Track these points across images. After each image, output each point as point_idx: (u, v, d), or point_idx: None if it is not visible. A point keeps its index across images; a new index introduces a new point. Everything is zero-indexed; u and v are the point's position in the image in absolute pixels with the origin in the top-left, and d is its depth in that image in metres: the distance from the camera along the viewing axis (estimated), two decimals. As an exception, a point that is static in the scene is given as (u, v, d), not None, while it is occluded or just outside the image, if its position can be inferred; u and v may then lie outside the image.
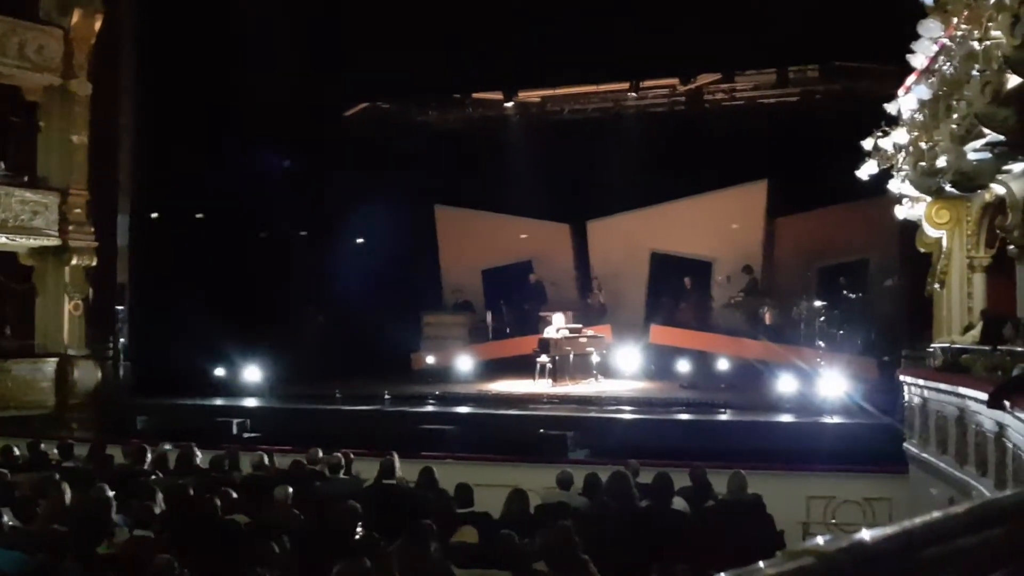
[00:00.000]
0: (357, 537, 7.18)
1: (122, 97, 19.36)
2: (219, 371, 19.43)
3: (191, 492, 8.84)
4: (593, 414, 16.14)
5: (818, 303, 18.86)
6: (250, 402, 18.27)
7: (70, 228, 18.79)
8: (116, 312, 19.13)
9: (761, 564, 1.07)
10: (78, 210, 18.93)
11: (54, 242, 18.71)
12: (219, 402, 18.28)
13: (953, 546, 1.30)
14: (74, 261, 18.80)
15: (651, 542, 7.95)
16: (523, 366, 19.70)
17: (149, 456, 11.15)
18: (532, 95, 23.76)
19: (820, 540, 1.15)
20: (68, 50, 18.77)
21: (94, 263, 19.02)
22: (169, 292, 18.11)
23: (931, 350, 12.68)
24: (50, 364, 18.56)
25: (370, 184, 20.99)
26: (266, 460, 11.25)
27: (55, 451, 11.83)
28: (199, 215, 19.01)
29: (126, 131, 19.40)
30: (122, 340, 19.17)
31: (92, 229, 19.07)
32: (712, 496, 10.03)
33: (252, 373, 19.13)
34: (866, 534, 1.18)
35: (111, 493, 7.95)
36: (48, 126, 18.92)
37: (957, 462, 10.49)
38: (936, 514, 1.37)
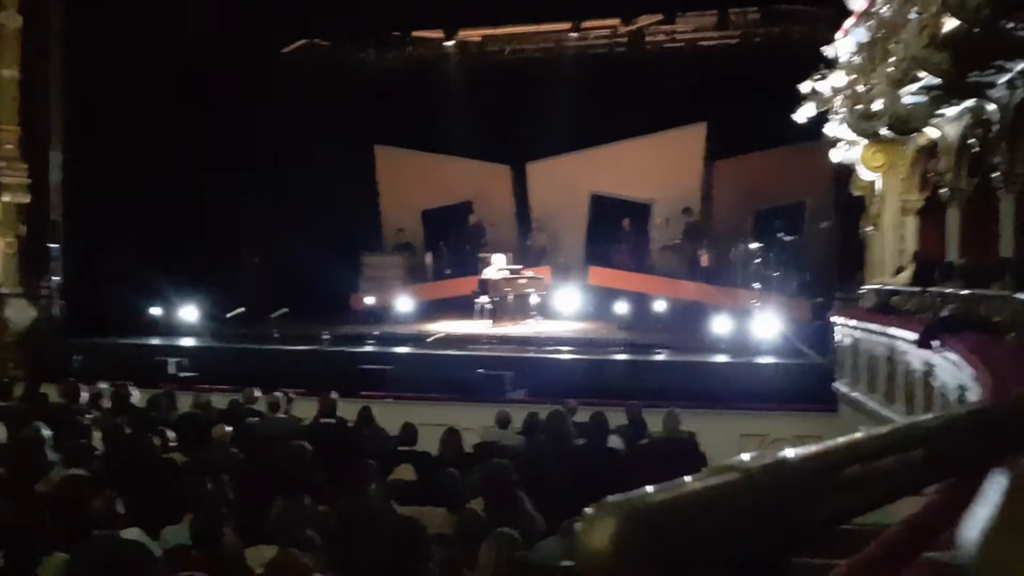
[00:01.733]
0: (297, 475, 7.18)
1: (53, 31, 18.85)
2: (156, 310, 19.22)
3: (128, 431, 8.79)
4: (532, 354, 16.22)
5: (754, 245, 19.06)
6: (187, 341, 18.13)
7: (2, 165, 18.35)
8: (50, 250, 18.78)
9: (687, 479, 1.09)
10: (9, 146, 18.46)
11: (-15, 179, 18.28)
12: (156, 341, 18.12)
13: (875, 466, 1.33)
14: (6, 198, 18.37)
15: (586, 479, 8.05)
16: (463, 307, 19.73)
17: (85, 395, 11.04)
18: (473, 34, 23.54)
19: (745, 457, 1.18)
20: (-4, -18, 18.23)
21: (27, 200, 18.61)
22: (104, 230, 17.82)
23: (863, 292, 12.91)
24: (-18, 303, 18.23)
25: (309, 123, 20.71)
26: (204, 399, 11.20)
27: (-12, 390, 11.67)
28: (134, 151, 18.62)
29: (58, 65, 18.91)
30: (56, 278, 18.85)
31: (25, 165, 18.61)
32: (647, 434, 10.17)
33: (189, 312, 18.95)
34: (790, 452, 1.21)
35: (47, 432, 7.86)
36: (-24, 60, 18.40)
37: (886, 401, 10.73)
38: (858, 435, 1.41)
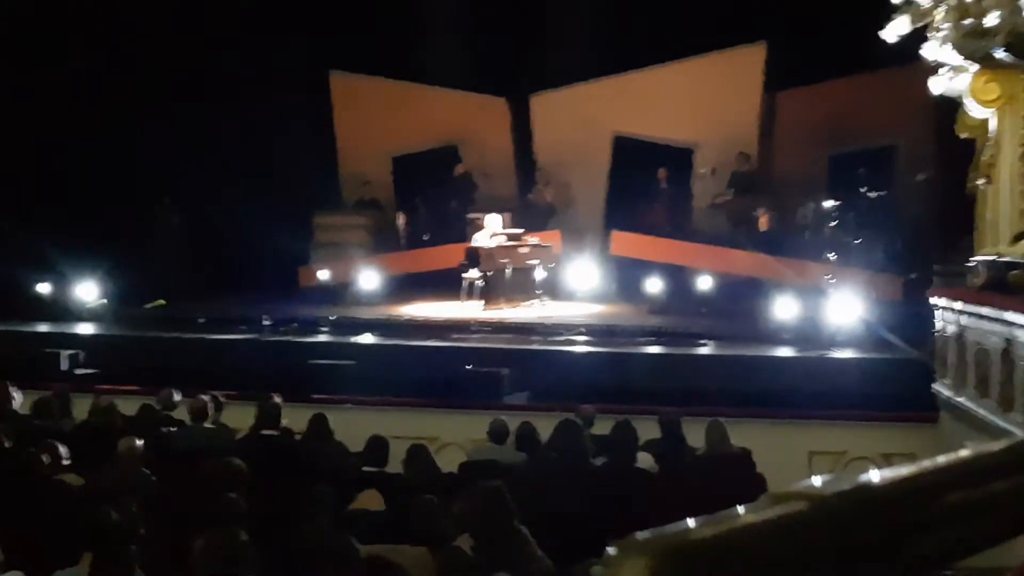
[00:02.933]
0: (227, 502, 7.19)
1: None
2: (42, 288, 19.20)
3: (6, 445, 8.80)
4: (536, 347, 16.23)
5: (829, 203, 19.03)
6: (85, 328, 18.11)
7: None
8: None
9: (741, 509, 1.09)
10: None
11: None
12: (43, 328, 18.10)
13: (986, 492, 1.33)
14: None
15: (608, 510, 8.06)
16: (446, 283, 19.72)
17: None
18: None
19: (816, 481, 1.17)
20: None
21: None
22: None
23: (972, 265, 12.88)
24: None
25: (244, 45, 20.65)
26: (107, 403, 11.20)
27: None
28: (12, 76, 18.56)
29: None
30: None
31: None
32: (687, 451, 10.18)
33: (87, 291, 18.93)
34: (874, 475, 1.20)
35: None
36: None
37: (1000, 408, 10.72)
38: (965, 452, 1.40)
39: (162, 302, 19.51)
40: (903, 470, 1.25)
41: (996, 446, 1.52)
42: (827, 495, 1.14)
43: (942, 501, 1.25)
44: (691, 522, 1.08)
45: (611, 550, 1.04)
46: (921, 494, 1.23)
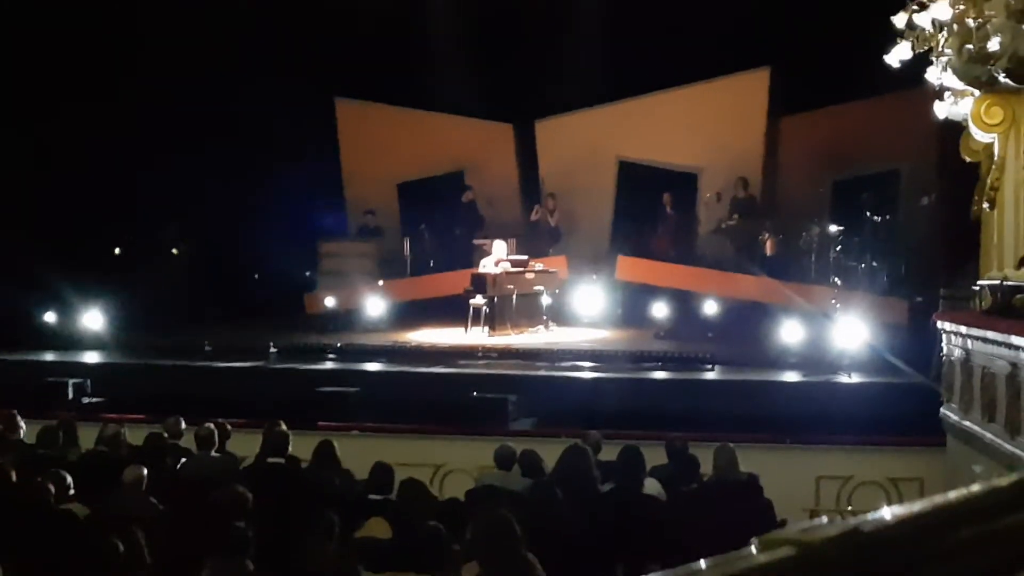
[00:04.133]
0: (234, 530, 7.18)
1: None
2: (49, 316, 19.21)
3: (13, 475, 8.78)
4: (542, 372, 16.20)
5: (833, 228, 19.02)
6: (91, 357, 18.11)
7: None
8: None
9: (725, 557, 1.08)
10: None
11: None
12: (50, 357, 18.10)
13: (992, 529, 1.31)
14: None
15: (615, 536, 8.03)
16: (452, 309, 19.72)
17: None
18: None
19: (807, 525, 1.16)
20: None
21: None
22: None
23: (977, 288, 12.86)
24: None
25: (248, 70, 20.69)
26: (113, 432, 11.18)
27: None
28: (20, 106, 18.61)
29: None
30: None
31: None
32: (695, 477, 10.15)
33: (93, 319, 18.93)
34: (866, 519, 1.19)
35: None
36: None
37: (1008, 432, 10.68)
38: (952, 494, 1.38)
39: None
40: (899, 510, 1.24)
41: (1003, 481, 1.51)
42: (816, 541, 1.12)
43: (932, 543, 1.24)
44: (674, 572, 1.07)
45: None
46: (918, 536, 1.21)
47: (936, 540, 1.22)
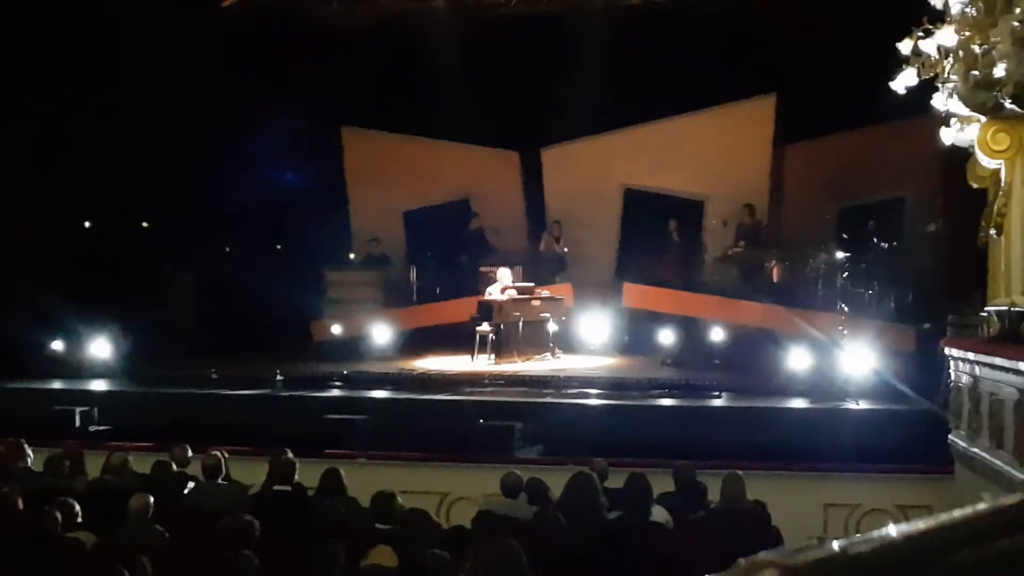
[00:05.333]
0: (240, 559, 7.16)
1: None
2: (57, 345, 19.21)
3: (19, 503, 8.77)
4: (549, 400, 16.17)
5: (840, 255, 19.01)
6: (98, 385, 18.11)
7: None
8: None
9: None
10: None
11: None
12: (57, 385, 18.10)
13: (993, 551, 1.29)
14: None
15: (622, 564, 8.00)
16: (458, 337, 19.71)
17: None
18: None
19: (789, 550, 1.15)
20: None
21: None
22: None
23: (985, 315, 12.83)
24: None
25: (256, 100, 20.75)
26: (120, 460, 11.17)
27: None
28: (26, 133, 18.66)
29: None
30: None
31: None
32: (702, 504, 10.12)
33: (101, 347, 18.94)
34: (854, 542, 1.17)
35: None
36: None
37: (1016, 459, 10.64)
38: (943, 517, 1.36)
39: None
40: (891, 531, 1.22)
41: (1004, 502, 1.49)
42: (799, 564, 1.11)
43: (920, 568, 1.22)
44: None
45: None
46: (898, 561, 1.20)
47: (924, 564, 1.21)
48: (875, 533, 1.21)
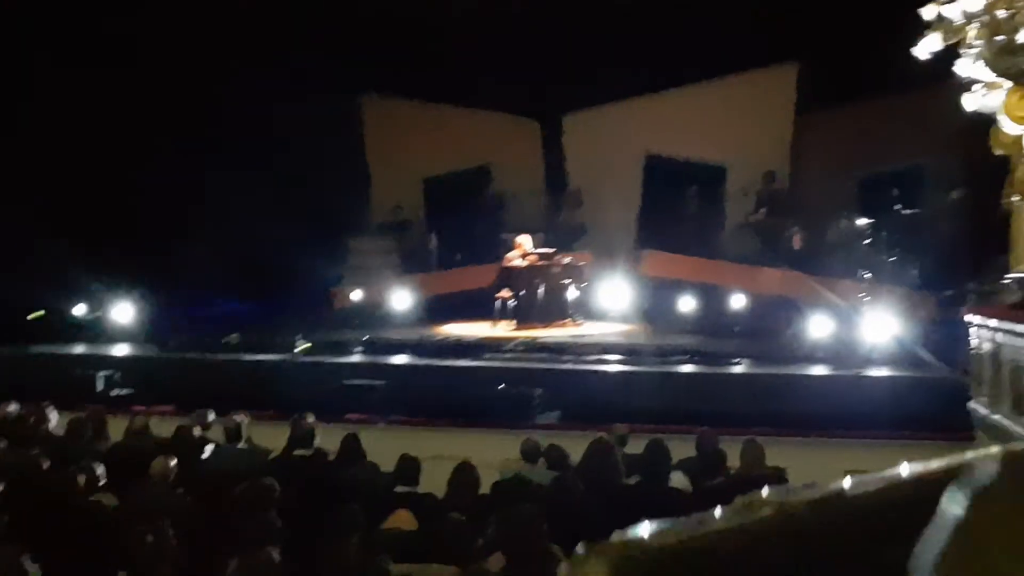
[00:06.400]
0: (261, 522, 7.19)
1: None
2: (79, 310, 19.28)
3: (43, 466, 8.82)
4: (569, 366, 16.19)
5: (862, 222, 18.94)
6: (120, 350, 18.18)
7: None
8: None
9: (710, 514, 1.07)
10: None
11: None
12: (79, 350, 18.18)
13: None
14: None
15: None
16: (478, 304, 19.72)
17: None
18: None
19: (789, 487, 1.15)
20: None
21: None
22: (9, 210, 17.88)
23: (1007, 282, 12.79)
24: None
25: (275, 68, 20.70)
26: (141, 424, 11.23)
27: None
28: (44, 99, 18.67)
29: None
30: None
31: None
32: (721, 470, 10.12)
33: (123, 312, 19.00)
34: (853, 484, 1.17)
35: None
36: None
37: (1037, 425, 10.63)
38: (935, 463, 1.34)
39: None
40: (882, 477, 1.22)
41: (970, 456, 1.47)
42: (795, 503, 1.11)
43: (919, 510, 1.21)
44: (654, 525, 1.06)
45: (579, 550, 1.02)
46: (896, 503, 1.19)
47: (923, 507, 1.20)
48: (874, 475, 1.21)
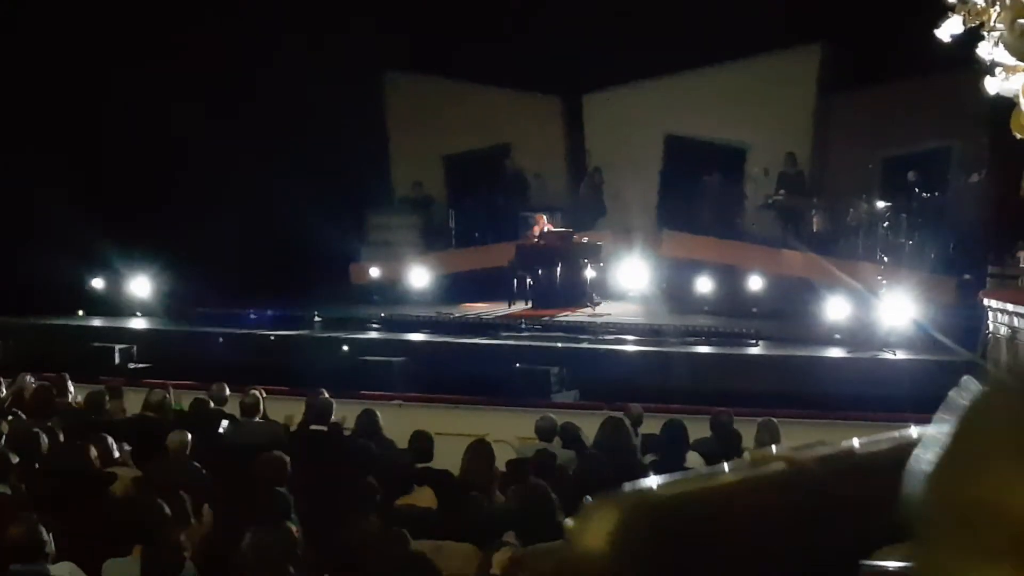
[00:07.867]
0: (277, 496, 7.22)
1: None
2: (97, 282, 19.34)
3: (60, 438, 8.86)
4: (585, 345, 16.21)
5: (881, 204, 18.89)
6: (138, 324, 18.24)
7: None
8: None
9: (725, 466, 1.09)
10: None
11: None
12: (97, 323, 18.25)
13: None
14: None
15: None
16: (496, 281, 19.73)
17: (3, 391, 11.17)
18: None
19: (800, 444, 1.17)
20: None
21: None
22: (28, 180, 17.93)
23: (1024, 266, 12.78)
24: None
25: (297, 45, 20.68)
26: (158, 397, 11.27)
27: None
28: (64, 72, 18.70)
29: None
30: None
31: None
32: (738, 451, 10.14)
33: (141, 286, 19.05)
34: (864, 442, 1.19)
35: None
36: None
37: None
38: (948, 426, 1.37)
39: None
40: (892, 436, 1.24)
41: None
42: (807, 458, 1.13)
43: None
44: (667, 478, 1.08)
45: (588, 502, 1.05)
46: (902, 464, 1.21)
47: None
48: (886, 434, 1.23)
